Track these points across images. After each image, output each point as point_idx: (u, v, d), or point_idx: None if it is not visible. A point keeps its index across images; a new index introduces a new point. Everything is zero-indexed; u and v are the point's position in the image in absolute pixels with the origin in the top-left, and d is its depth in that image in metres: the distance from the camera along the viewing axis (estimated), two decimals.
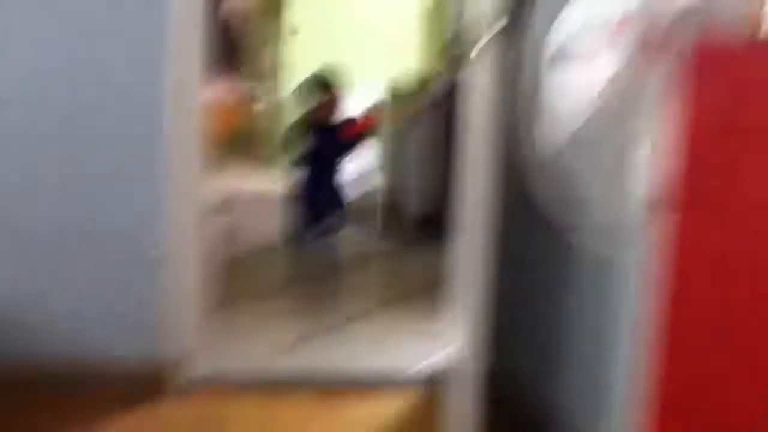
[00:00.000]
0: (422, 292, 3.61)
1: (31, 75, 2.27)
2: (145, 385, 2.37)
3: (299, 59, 5.73)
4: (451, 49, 4.68)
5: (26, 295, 2.34)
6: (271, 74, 5.96)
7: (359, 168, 4.75)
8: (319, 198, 4.22)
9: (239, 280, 3.52)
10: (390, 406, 2.49)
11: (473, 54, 2.05)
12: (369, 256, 4.10)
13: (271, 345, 2.81)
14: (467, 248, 2.06)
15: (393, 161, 4.74)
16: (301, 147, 4.23)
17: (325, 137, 4.20)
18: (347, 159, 4.36)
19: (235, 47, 8.64)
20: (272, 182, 5.14)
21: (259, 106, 6.15)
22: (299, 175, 4.25)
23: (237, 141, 5.39)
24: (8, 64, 2.26)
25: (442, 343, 2.80)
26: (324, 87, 4.25)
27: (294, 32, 5.71)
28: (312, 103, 4.22)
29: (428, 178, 4.41)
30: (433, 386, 2.58)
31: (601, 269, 2.11)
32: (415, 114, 4.35)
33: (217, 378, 2.50)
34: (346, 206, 4.37)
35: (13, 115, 2.28)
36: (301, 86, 4.34)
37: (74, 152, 2.32)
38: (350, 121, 4.28)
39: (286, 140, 4.38)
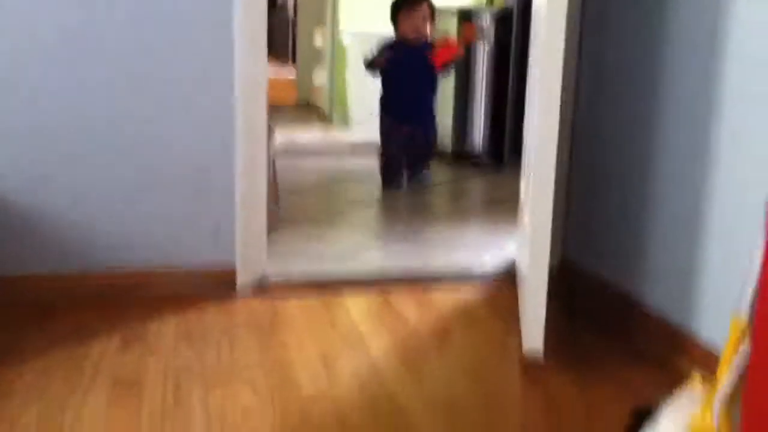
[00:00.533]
0: (489, 205, 3.64)
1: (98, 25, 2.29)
2: (221, 286, 2.43)
3: (359, 3, 5.70)
4: None
5: (108, 211, 2.37)
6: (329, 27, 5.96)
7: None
8: (406, 130, 3.95)
9: (307, 204, 3.56)
10: (464, 296, 2.49)
11: None
12: (439, 182, 4.10)
13: (334, 251, 2.83)
14: (539, 167, 2.03)
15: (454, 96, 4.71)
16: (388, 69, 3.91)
17: (415, 57, 3.89)
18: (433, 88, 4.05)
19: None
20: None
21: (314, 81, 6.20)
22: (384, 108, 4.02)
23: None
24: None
25: (513, 241, 2.82)
26: (415, 1, 3.90)
27: None
28: (403, 19, 3.90)
29: (488, 113, 4.40)
30: (505, 280, 2.59)
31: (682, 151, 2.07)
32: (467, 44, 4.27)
33: (285, 281, 2.52)
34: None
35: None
36: (392, 5, 3.97)
37: (153, 94, 2.35)
38: (440, 46, 3.89)
39: (371, 61, 3.93)
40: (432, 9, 3.90)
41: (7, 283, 2.31)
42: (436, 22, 4.01)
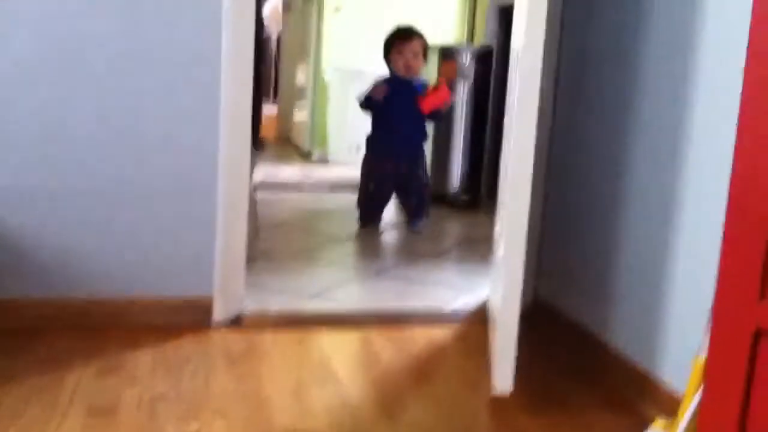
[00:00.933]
0: (464, 245, 3.68)
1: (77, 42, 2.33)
2: (198, 317, 2.45)
3: (343, 38, 5.79)
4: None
5: (88, 239, 2.39)
6: (314, 59, 6.04)
7: None
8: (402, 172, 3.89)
9: (286, 239, 3.60)
10: (437, 335, 2.53)
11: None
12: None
13: (311, 287, 2.86)
14: (514, 203, 2.08)
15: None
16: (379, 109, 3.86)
17: (407, 94, 3.83)
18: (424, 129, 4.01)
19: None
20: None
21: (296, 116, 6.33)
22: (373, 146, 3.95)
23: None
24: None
25: (487, 281, 2.86)
26: (406, 37, 3.86)
27: (338, 9, 5.76)
28: (395, 55, 3.84)
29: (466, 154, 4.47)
30: (479, 319, 2.62)
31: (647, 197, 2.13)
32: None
33: (261, 315, 2.55)
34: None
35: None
36: (384, 42, 3.92)
37: (137, 125, 2.38)
38: (429, 92, 3.84)
39: (368, 97, 3.86)
40: (424, 45, 3.89)
41: None
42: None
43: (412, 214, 3.93)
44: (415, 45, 3.83)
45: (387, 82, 3.87)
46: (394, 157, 3.88)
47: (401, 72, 3.84)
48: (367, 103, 3.88)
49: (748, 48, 1.10)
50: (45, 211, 2.36)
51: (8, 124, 2.30)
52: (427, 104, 3.81)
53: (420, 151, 3.96)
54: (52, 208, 2.36)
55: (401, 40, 3.85)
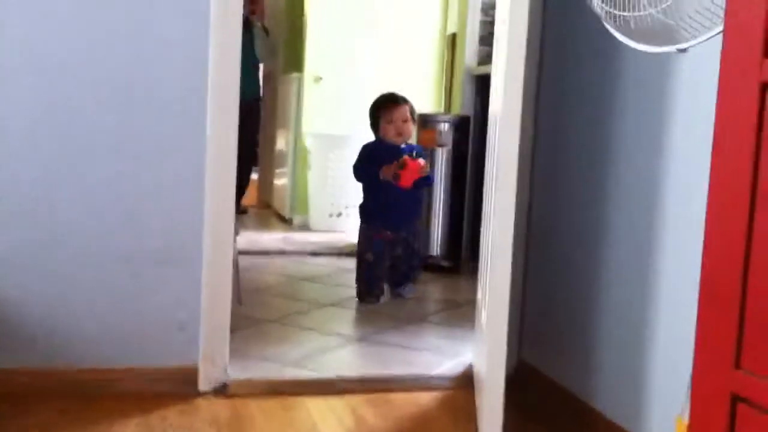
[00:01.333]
0: (447, 310, 3.70)
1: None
2: (183, 385, 2.44)
3: (322, 105, 5.87)
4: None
5: (74, 307, 2.40)
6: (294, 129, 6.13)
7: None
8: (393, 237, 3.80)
9: (268, 304, 3.60)
10: (422, 400, 2.53)
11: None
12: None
13: (295, 354, 2.87)
14: (495, 270, 2.12)
15: None
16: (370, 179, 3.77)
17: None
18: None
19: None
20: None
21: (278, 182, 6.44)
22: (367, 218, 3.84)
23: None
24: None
25: (470, 345, 2.88)
26: (395, 103, 3.79)
27: (318, 79, 5.86)
28: (385, 124, 3.76)
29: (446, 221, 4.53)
30: (463, 384, 2.63)
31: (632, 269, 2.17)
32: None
33: (246, 383, 2.55)
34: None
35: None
36: (371, 110, 3.86)
37: (122, 194, 2.42)
38: (403, 168, 3.64)
39: (357, 170, 3.82)
40: (412, 110, 3.83)
41: None
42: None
43: (402, 279, 3.85)
44: (405, 110, 3.78)
45: (372, 150, 3.79)
46: (391, 227, 3.78)
47: (393, 139, 3.76)
48: (363, 176, 3.79)
49: (715, 123, 1.15)
50: (30, 280, 2.37)
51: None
52: (405, 181, 3.64)
53: (416, 217, 3.93)
54: (37, 276, 2.37)
55: (390, 107, 3.79)
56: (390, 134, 3.75)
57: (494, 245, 2.11)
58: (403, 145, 3.78)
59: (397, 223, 3.79)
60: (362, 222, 3.85)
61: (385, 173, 3.65)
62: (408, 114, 3.77)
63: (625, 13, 1.36)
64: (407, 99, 3.84)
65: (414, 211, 3.89)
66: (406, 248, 3.82)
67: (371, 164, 3.73)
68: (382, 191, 3.73)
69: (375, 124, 3.82)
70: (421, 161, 3.68)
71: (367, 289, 3.73)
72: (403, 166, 3.61)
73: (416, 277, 3.93)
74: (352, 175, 3.87)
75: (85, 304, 2.41)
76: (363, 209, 3.86)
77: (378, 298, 3.73)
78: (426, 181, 3.84)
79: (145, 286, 2.44)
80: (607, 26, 1.50)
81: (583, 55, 2.42)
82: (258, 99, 6.21)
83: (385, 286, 3.81)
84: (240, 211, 5.95)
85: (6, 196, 2.33)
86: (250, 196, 7.00)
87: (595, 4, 1.46)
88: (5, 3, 2.29)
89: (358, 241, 3.84)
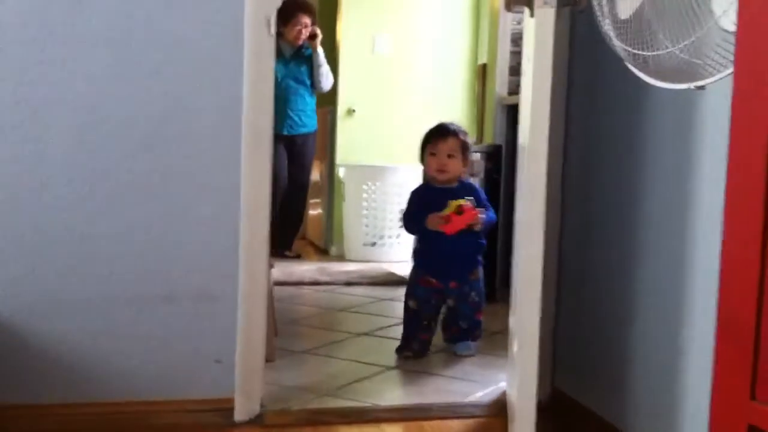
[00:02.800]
0: (482, 338, 3.72)
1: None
2: (219, 416, 2.49)
3: (356, 137, 5.95)
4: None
5: (109, 340, 2.46)
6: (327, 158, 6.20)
7: None
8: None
9: (303, 335, 3.65)
10: (456, 428, 2.56)
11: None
12: None
13: (330, 384, 2.91)
14: (525, 300, 2.15)
15: None
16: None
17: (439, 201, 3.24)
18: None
19: None
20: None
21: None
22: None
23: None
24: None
25: (501, 376, 2.90)
26: (441, 134, 3.35)
27: (351, 112, 5.94)
28: (428, 157, 3.34)
29: None
30: (497, 412, 2.65)
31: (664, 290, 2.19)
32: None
33: (282, 413, 2.60)
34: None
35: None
36: (421, 142, 3.42)
37: (153, 227, 2.48)
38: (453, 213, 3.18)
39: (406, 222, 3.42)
40: (465, 145, 3.36)
41: (10, 412, 2.37)
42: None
43: (457, 335, 3.40)
44: (451, 144, 3.31)
45: (425, 196, 3.37)
46: (438, 275, 3.34)
47: (434, 175, 3.33)
48: (411, 227, 3.43)
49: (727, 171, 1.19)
50: (69, 317, 2.43)
51: (39, 236, 2.41)
52: (452, 228, 3.17)
53: (471, 267, 3.38)
54: (75, 314, 2.44)
55: (435, 139, 3.34)
56: (431, 169, 3.33)
57: (523, 276, 2.14)
58: (455, 184, 3.35)
59: (445, 271, 3.33)
60: (414, 263, 3.49)
61: (431, 223, 3.22)
62: (456, 147, 3.31)
63: (646, 53, 1.40)
64: (461, 131, 3.39)
65: (469, 260, 3.37)
66: (461, 300, 3.36)
67: (420, 212, 3.30)
68: (432, 235, 3.26)
69: (423, 157, 3.41)
70: (475, 211, 3.19)
71: (404, 341, 3.37)
72: (449, 221, 3.17)
73: (476, 334, 3.43)
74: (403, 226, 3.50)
75: (123, 339, 2.47)
76: (414, 250, 3.57)
77: (416, 355, 3.30)
78: (487, 224, 3.33)
79: (182, 321, 2.50)
80: (628, 65, 1.54)
81: (610, 92, 2.46)
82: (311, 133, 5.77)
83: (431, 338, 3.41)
84: (292, 254, 5.78)
85: (43, 232, 2.40)
86: None
87: (617, 45, 1.50)
88: (43, 41, 2.37)
89: (407, 284, 3.51)
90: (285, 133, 5.44)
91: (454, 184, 3.34)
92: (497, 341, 3.40)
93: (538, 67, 2.04)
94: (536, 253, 2.11)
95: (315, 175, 6.63)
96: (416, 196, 3.43)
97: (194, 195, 2.49)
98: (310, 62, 5.52)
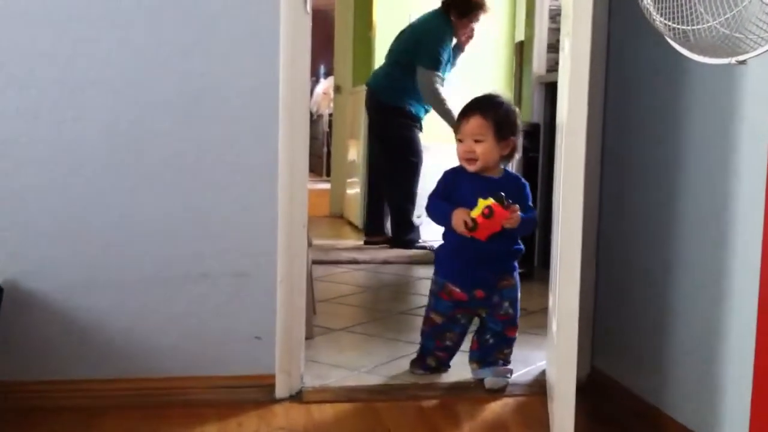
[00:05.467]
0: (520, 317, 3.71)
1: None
2: (260, 393, 2.52)
3: None
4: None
5: (150, 316, 2.50)
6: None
7: None
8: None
9: (341, 314, 3.67)
10: (495, 407, 2.56)
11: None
12: None
13: (368, 361, 2.92)
14: (564, 280, 2.14)
15: None
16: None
17: (482, 194, 2.56)
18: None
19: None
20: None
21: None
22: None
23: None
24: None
25: (540, 355, 2.90)
26: (465, 113, 2.70)
27: None
28: (457, 142, 2.71)
29: None
30: (536, 391, 2.65)
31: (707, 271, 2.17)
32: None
33: (321, 390, 2.62)
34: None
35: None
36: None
37: (197, 204, 2.51)
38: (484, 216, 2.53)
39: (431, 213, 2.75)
40: (498, 121, 2.65)
41: (50, 387, 2.43)
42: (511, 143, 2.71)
43: (484, 357, 2.73)
44: (476, 124, 2.64)
45: (456, 181, 2.70)
46: (461, 281, 2.70)
47: (463, 165, 2.68)
48: (434, 215, 2.73)
49: None
50: (110, 293, 2.47)
51: (77, 217, 2.44)
52: (484, 232, 2.56)
53: (502, 273, 2.72)
54: (113, 292, 2.47)
55: (460, 119, 2.71)
56: (459, 158, 2.69)
57: (562, 255, 2.13)
58: (498, 174, 2.71)
59: (468, 277, 2.70)
60: (435, 267, 2.81)
61: (456, 223, 2.59)
62: (484, 127, 2.63)
63: (685, 27, 1.38)
64: (492, 104, 2.69)
65: (501, 265, 2.72)
66: (490, 313, 2.73)
67: (444, 202, 2.67)
68: (458, 235, 2.62)
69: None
70: (506, 212, 2.54)
71: (420, 356, 2.83)
72: (475, 227, 2.55)
73: (504, 353, 2.75)
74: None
75: (160, 317, 2.50)
76: (436, 252, 2.83)
77: (431, 371, 2.79)
78: (524, 227, 2.66)
79: (219, 299, 2.52)
80: (669, 40, 1.52)
81: (649, 67, 2.42)
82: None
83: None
84: (385, 239, 5.49)
85: (81, 212, 2.44)
86: (322, 206, 7.11)
87: (656, 19, 1.48)
88: (77, 21, 2.39)
89: (429, 290, 2.83)
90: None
91: (497, 174, 2.69)
92: (536, 320, 3.39)
93: (577, 42, 2.02)
94: (575, 231, 2.10)
95: (352, 154, 6.64)
96: (444, 181, 2.73)
97: (230, 174, 2.50)
98: None
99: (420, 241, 5.26)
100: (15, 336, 2.41)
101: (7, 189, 2.39)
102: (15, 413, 2.35)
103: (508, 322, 2.72)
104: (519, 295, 2.77)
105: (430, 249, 4.76)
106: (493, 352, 2.70)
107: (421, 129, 5.26)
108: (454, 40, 5.16)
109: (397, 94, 5.19)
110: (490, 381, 2.66)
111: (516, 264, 2.77)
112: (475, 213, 2.54)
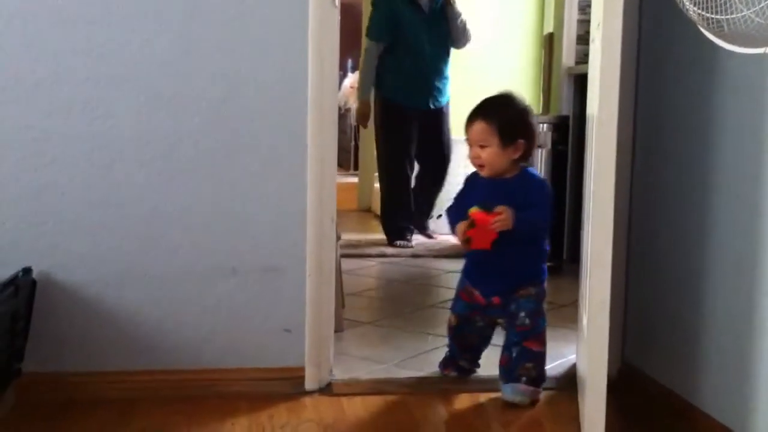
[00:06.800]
0: (549, 311, 3.69)
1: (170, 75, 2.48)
2: (290, 386, 2.54)
3: None
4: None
5: (182, 309, 2.52)
6: None
7: None
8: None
9: (369, 307, 3.68)
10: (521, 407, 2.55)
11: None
12: None
13: (398, 354, 2.93)
14: (595, 274, 2.13)
15: None
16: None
17: (498, 199, 2.48)
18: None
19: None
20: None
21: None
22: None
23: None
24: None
25: (570, 349, 2.89)
26: (469, 119, 2.59)
27: None
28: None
29: None
30: (566, 385, 2.64)
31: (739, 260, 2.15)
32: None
33: (351, 382, 2.63)
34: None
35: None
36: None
37: (227, 202, 2.52)
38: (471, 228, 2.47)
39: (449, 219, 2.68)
40: (503, 125, 2.51)
41: (85, 379, 2.46)
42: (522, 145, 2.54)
43: (503, 368, 2.58)
44: (479, 129, 2.53)
45: (473, 185, 2.65)
46: (481, 284, 2.62)
47: (475, 168, 2.61)
48: (451, 220, 2.65)
49: None
50: (142, 288, 2.49)
51: (110, 212, 2.46)
52: (479, 243, 2.48)
53: (520, 280, 2.57)
54: (146, 286, 2.49)
55: (466, 124, 2.59)
56: (470, 162, 2.62)
57: (593, 249, 2.12)
58: (510, 175, 2.57)
59: (487, 280, 2.61)
60: (464, 269, 2.74)
61: (458, 239, 2.57)
62: (487, 133, 2.52)
63: (719, 16, 1.37)
64: (493, 108, 2.57)
65: (521, 270, 2.58)
66: (508, 322, 2.61)
67: (461, 208, 2.57)
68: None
69: None
70: (489, 218, 2.43)
71: (448, 358, 2.77)
72: (469, 241, 2.49)
73: (526, 368, 2.54)
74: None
75: (191, 310, 2.52)
76: (466, 252, 2.66)
77: (460, 373, 2.75)
78: (525, 226, 2.48)
79: (253, 292, 2.54)
80: (702, 29, 1.50)
81: (681, 57, 2.40)
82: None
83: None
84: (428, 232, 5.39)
85: (114, 208, 2.46)
86: (350, 200, 7.11)
87: (690, 9, 1.46)
88: (109, 17, 2.41)
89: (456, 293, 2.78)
90: (432, 107, 5.10)
91: (508, 176, 2.56)
92: (566, 314, 3.37)
93: (608, 32, 2.00)
94: (606, 223, 2.08)
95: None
96: (465, 185, 2.69)
97: (260, 169, 2.51)
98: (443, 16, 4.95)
99: (399, 242, 5.15)
100: (50, 328, 2.44)
101: (42, 183, 2.42)
102: (50, 405, 2.38)
103: (527, 333, 2.54)
104: (541, 307, 2.61)
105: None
106: (516, 367, 2.53)
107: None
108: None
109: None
110: (507, 396, 2.53)
111: (544, 268, 2.64)
112: (463, 227, 2.48)
